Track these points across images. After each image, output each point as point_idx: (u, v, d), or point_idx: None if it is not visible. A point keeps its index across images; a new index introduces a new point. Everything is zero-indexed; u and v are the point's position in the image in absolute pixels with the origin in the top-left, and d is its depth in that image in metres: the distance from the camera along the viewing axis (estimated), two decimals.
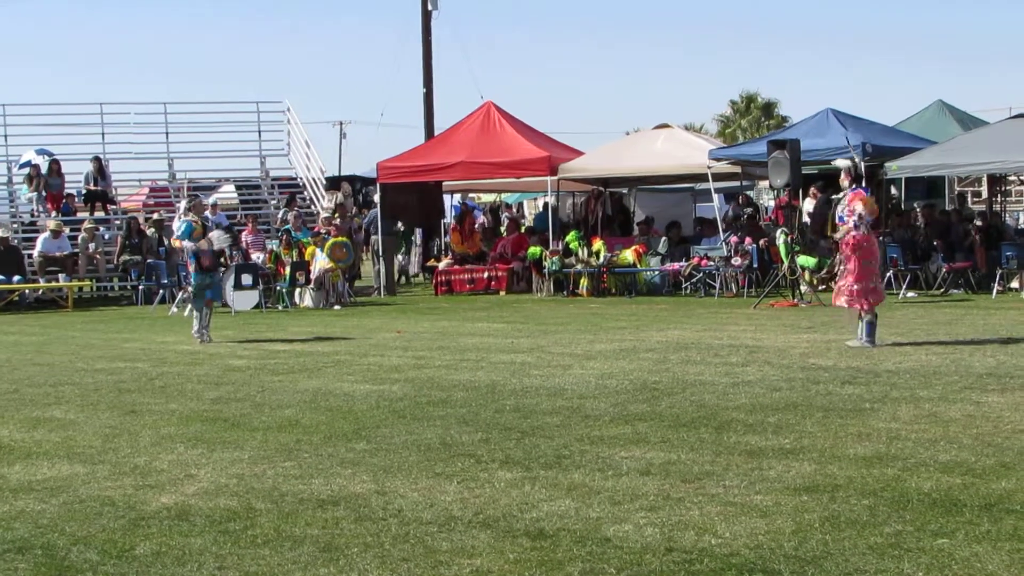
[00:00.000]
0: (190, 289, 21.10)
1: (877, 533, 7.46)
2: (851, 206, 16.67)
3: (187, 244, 20.72)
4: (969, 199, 37.18)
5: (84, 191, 35.63)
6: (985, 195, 33.96)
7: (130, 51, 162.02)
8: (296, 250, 29.65)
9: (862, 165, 18.06)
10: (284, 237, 30.21)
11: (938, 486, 8.54)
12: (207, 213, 32.97)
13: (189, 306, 20.94)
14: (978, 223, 28.78)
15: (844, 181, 17.09)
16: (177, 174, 38.76)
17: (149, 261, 31.04)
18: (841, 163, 17.30)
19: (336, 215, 33.12)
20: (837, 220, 16.83)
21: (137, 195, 41.25)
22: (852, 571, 6.79)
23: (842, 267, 17.08)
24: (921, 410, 11.60)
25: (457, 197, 42.03)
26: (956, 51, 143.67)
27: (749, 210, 32.23)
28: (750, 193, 36.05)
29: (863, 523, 7.69)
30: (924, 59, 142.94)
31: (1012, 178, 32.70)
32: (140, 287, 30.81)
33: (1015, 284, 25.64)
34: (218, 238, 21.27)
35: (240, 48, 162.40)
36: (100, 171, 35.51)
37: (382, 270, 32.58)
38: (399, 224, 34.33)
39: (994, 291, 24.83)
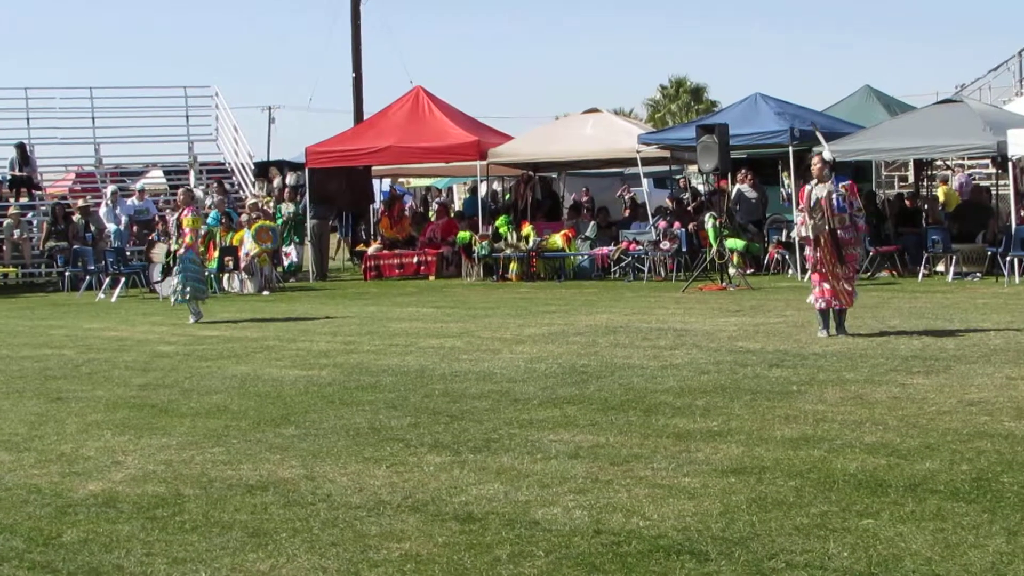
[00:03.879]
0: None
1: (803, 514, 7.52)
2: (854, 199, 15.93)
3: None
4: (896, 184, 37.43)
5: (9, 177, 35.28)
6: (912, 179, 34.20)
7: (55, 35, 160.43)
8: (232, 233, 29.41)
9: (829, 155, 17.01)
10: (224, 220, 29.91)
11: (863, 467, 8.62)
12: (135, 200, 32.96)
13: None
14: (906, 203, 29.05)
15: (825, 171, 15.88)
16: (104, 159, 38.44)
17: (75, 247, 30.71)
18: (827, 155, 16.50)
19: (268, 200, 33.01)
20: (835, 210, 15.63)
21: (63, 181, 40.86)
22: (778, 551, 6.84)
23: (837, 264, 15.81)
24: (847, 392, 11.70)
25: (386, 182, 41.93)
26: (883, 36, 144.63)
27: (686, 195, 32.40)
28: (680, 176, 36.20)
29: (789, 504, 7.75)
30: (852, 44, 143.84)
31: (939, 163, 32.96)
32: (66, 273, 30.51)
33: (940, 267, 25.89)
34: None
35: (168, 32, 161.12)
36: (24, 157, 35.13)
37: (312, 255, 32.53)
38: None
39: (920, 275, 25.07)
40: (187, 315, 20.68)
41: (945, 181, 33.05)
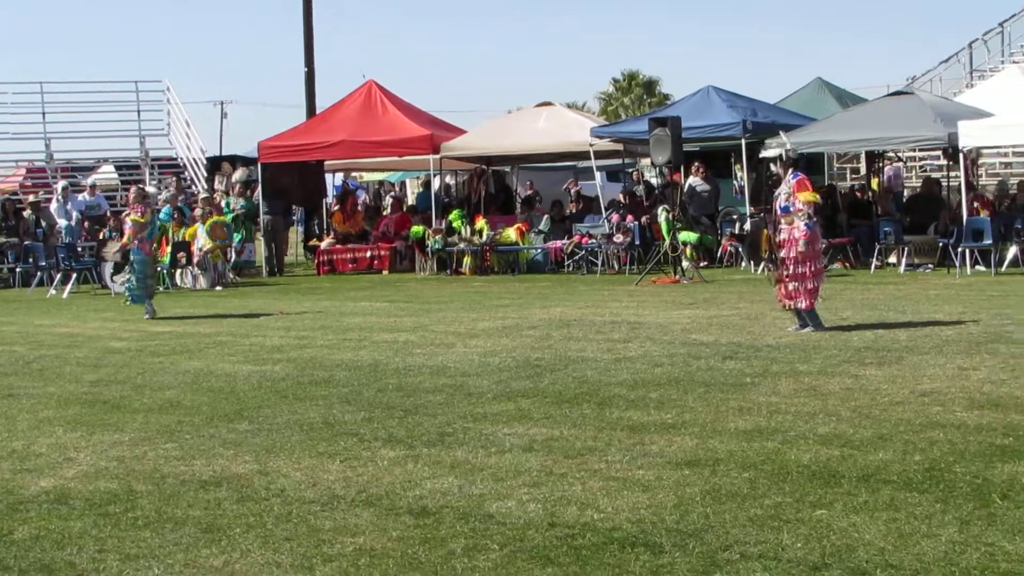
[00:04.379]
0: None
1: (757, 505, 7.54)
2: (797, 198, 15.45)
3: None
4: (848, 176, 37.61)
5: None
6: (863, 171, 34.36)
7: (3, 30, 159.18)
8: (184, 228, 29.26)
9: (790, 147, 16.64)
10: (176, 215, 29.72)
11: (817, 458, 8.65)
12: (86, 195, 32.76)
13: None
14: (858, 195, 29.20)
15: (779, 171, 15.99)
16: (54, 155, 38.16)
17: (26, 243, 30.51)
18: (771, 152, 16.18)
19: (219, 196, 32.86)
20: (779, 210, 15.61)
21: (14, 176, 40.54)
22: (732, 543, 6.86)
23: (791, 266, 15.47)
24: (801, 384, 11.74)
25: (339, 176, 41.82)
26: (835, 28, 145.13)
27: (639, 188, 32.44)
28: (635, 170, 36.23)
29: (743, 496, 7.77)
30: (804, 37, 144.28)
31: (890, 154, 33.11)
32: (17, 270, 30.31)
33: (892, 259, 26.03)
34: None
35: (118, 26, 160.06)
36: None
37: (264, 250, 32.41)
38: None
39: (872, 266, 25.20)
40: (141, 311, 20.57)
41: (878, 173, 33.20)
